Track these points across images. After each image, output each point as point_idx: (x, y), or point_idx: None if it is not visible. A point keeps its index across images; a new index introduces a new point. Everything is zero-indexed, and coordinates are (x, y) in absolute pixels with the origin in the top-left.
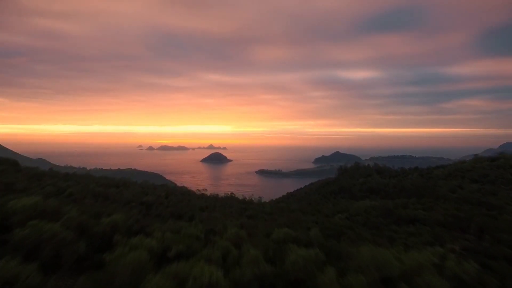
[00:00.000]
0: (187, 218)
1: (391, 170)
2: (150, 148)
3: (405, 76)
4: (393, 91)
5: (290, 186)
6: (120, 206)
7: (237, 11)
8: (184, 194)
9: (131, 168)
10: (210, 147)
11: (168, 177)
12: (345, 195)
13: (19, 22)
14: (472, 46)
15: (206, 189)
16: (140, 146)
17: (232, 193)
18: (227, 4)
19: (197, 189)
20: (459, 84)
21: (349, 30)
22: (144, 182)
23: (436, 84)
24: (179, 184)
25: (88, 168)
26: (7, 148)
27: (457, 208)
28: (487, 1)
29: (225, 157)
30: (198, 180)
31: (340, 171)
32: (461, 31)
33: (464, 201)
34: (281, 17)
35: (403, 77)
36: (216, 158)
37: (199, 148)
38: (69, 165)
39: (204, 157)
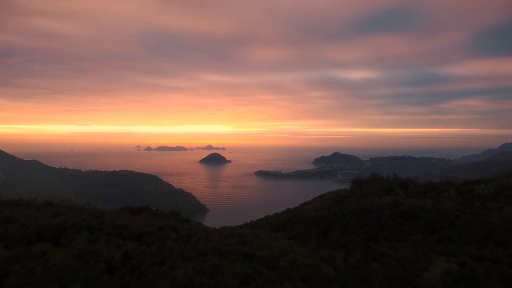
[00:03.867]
0: None
1: (417, 184)
2: (148, 149)
3: (404, 76)
4: (392, 91)
5: (290, 188)
6: None
7: (235, 11)
8: (164, 240)
9: (127, 170)
10: (209, 147)
11: (165, 179)
12: (371, 220)
13: (16, 22)
14: (471, 46)
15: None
16: (138, 146)
17: (231, 227)
18: (224, 4)
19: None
20: (458, 84)
21: (347, 30)
22: (114, 215)
23: (435, 84)
24: (176, 186)
25: (83, 170)
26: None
27: None
28: (486, 1)
29: (224, 158)
30: (197, 182)
31: (355, 183)
32: (459, 31)
33: None
34: (279, 17)
35: (401, 77)
36: (214, 159)
37: (198, 148)
38: (63, 167)
39: (202, 157)
